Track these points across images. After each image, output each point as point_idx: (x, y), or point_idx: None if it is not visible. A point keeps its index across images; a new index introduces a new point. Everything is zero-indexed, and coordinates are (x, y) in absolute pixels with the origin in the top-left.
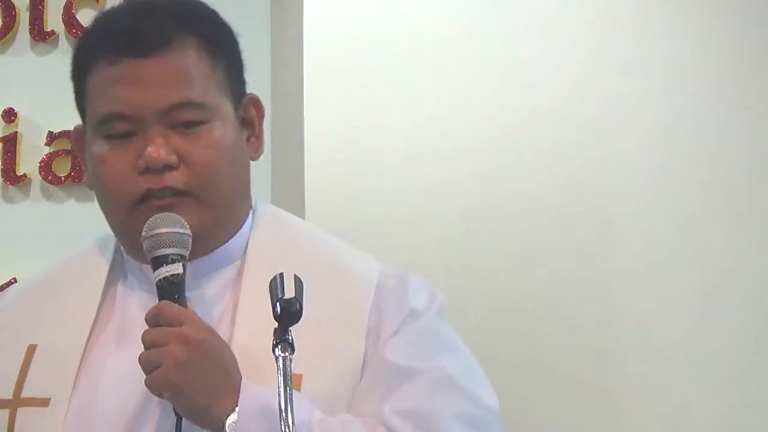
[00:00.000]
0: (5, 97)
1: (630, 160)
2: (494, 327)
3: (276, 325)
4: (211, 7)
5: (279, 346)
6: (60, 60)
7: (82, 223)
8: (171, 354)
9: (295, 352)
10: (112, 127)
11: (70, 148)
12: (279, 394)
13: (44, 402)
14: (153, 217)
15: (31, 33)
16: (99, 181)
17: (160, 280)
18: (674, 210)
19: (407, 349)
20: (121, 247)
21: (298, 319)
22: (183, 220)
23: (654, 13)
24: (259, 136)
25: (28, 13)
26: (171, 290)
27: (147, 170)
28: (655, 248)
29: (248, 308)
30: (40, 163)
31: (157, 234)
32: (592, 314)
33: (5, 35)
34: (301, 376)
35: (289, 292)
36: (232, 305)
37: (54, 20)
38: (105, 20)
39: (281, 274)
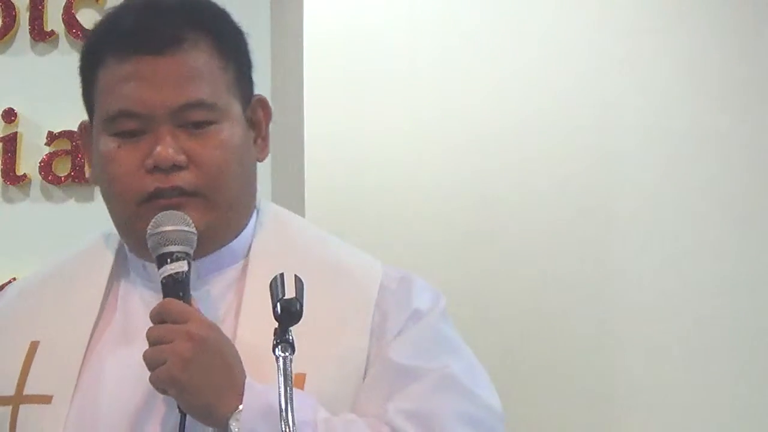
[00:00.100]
0: (5, 97)
1: (630, 160)
2: (494, 326)
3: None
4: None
5: (279, 346)
6: (60, 60)
7: (82, 223)
8: (176, 351)
9: (299, 351)
10: (121, 124)
11: (70, 148)
12: (279, 393)
13: (47, 399)
14: (158, 214)
15: (31, 33)
16: (106, 178)
17: (165, 277)
18: (674, 210)
19: (411, 349)
20: (125, 245)
21: (299, 319)
22: (188, 218)
23: (653, 13)
24: (265, 138)
25: (28, 13)
26: (176, 288)
27: (155, 169)
28: (654, 248)
29: (252, 307)
30: (40, 163)
31: (163, 231)
32: (592, 314)
33: (5, 35)
34: (304, 375)
35: (290, 292)
36: (236, 304)
37: (54, 20)
38: (117, 16)
39: (282, 274)
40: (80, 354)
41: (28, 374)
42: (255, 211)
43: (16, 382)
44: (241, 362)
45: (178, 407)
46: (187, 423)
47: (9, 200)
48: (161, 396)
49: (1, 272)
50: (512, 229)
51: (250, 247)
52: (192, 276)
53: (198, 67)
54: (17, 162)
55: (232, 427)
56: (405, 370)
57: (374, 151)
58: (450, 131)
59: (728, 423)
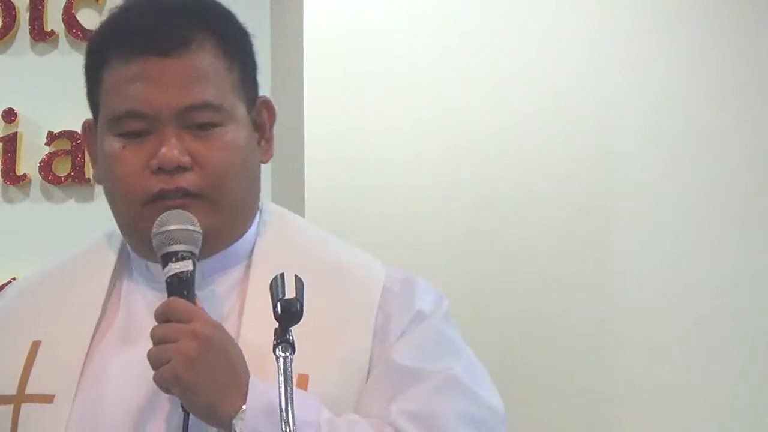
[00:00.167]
0: (5, 97)
1: (629, 160)
2: (493, 326)
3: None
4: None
5: (280, 346)
6: (60, 60)
7: (82, 223)
8: (180, 350)
9: (302, 353)
10: (126, 124)
11: (70, 148)
12: (279, 393)
13: (48, 398)
14: (164, 213)
15: (31, 33)
16: (110, 178)
17: (170, 276)
18: (674, 210)
19: (414, 350)
20: (127, 245)
21: (299, 319)
22: (193, 217)
23: (653, 13)
24: (269, 140)
25: (28, 13)
26: (180, 287)
27: (160, 170)
28: (654, 248)
29: (255, 307)
30: (40, 163)
31: (168, 231)
32: (592, 314)
33: (5, 35)
34: (307, 376)
35: (290, 293)
36: (239, 305)
37: (54, 20)
38: (123, 16)
39: (282, 275)
40: (82, 353)
41: (29, 373)
42: (258, 212)
43: (17, 381)
44: (245, 362)
45: (182, 406)
46: (190, 422)
47: (9, 200)
48: (164, 395)
49: (1, 272)
50: (512, 229)
51: (253, 248)
52: (196, 276)
53: (204, 69)
54: (17, 162)
55: (235, 426)
56: (408, 372)
57: (374, 151)
58: (450, 131)
59: (728, 423)
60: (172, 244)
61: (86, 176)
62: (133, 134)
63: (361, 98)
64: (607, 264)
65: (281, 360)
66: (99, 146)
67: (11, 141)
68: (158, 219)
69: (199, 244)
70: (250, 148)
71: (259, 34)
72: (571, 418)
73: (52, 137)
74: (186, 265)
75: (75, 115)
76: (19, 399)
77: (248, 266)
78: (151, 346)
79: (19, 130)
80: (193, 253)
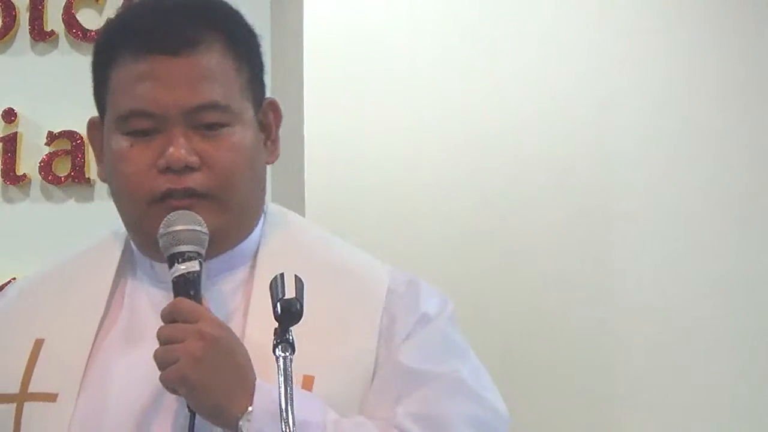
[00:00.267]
0: (5, 97)
1: (629, 159)
2: (493, 325)
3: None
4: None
5: (279, 346)
6: (60, 60)
7: (82, 223)
8: (187, 350)
9: (308, 354)
10: (134, 123)
11: (70, 148)
12: (279, 393)
13: (52, 397)
14: (170, 214)
15: (31, 33)
16: (117, 177)
17: (176, 277)
18: (673, 209)
19: (420, 352)
20: (132, 244)
21: (299, 319)
22: (200, 218)
23: (652, 13)
24: (275, 141)
25: (28, 13)
26: (187, 287)
27: (168, 170)
28: (654, 247)
29: (260, 308)
30: (40, 163)
31: (175, 231)
32: (592, 313)
33: (5, 35)
34: (312, 377)
35: (290, 293)
36: (244, 305)
37: (54, 20)
38: (131, 14)
39: (282, 274)
40: (85, 352)
41: (32, 372)
42: (262, 213)
43: (20, 379)
44: (251, 363)
45: (188, 407)
46: (195, 423)
47: (9, 200)
48: (168, 396)
49: (1, 272)
50: (511, 228)
51: (257, 248)
52: (202, 276)
53: (212, 69)
54: (17, 162)
55: (242, 427)
56: (414, 374)
57: (374, 150)
58: (449, 130)
59: (728, 423)
60: (178, 245)
61: (86, 176)
62: (141, 133)
63: (361, 98)
64: (606, 263)
65: (281, 360)
66: (105, 144)
67: (11, 141)
68: (165, 219)
69: (206, 244)
70: (256, 149)
71: (259, 34)
72: (570, 417)
73: (52, 137)
74: (193, 266)
75: (75, 115)
76: (22, 398)
77: (253, 267)
78: (155, 346)
79: (19, 130)
80: (199, 254)
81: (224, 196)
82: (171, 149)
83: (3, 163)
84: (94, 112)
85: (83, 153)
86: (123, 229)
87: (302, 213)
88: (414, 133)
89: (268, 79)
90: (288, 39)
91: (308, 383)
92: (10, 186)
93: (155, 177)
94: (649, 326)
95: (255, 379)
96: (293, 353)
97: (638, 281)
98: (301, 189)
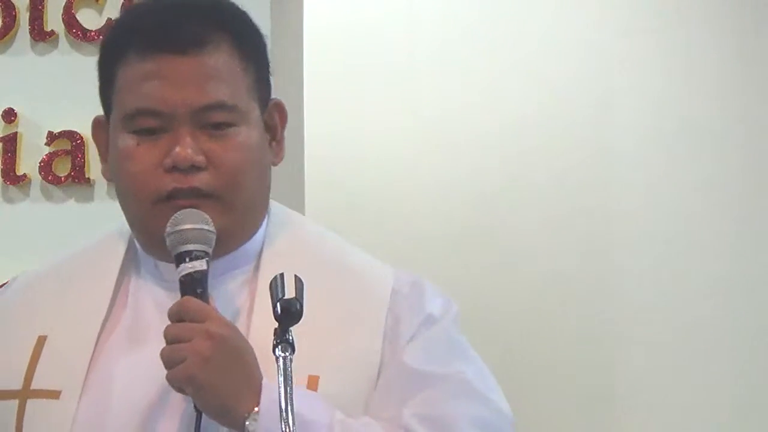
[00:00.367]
0: (5, 97)
1: (628, 158)
2: (492, 324)
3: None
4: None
5: (279, 346)
6: (60, 60)
7: (82, 223)
8: (195, 349)
9: (312, 354)
10: (141, 122)
11: (70, 148)
12: (279, 393)
13: (55, 394)
14: (178, 212)
15: (31, 33)
16: (122, 175)
17: (183, 276)
18: (673, 208)
19: (425, 354)
20: (136, 243)
21: (299, 319)
22: (207, 217)
23: (651, 12)
24: (280, 142)
25: (28, 13)
26: (194, 286)
27: (174, 169)
28: (653, 246)
29: (265, 308)
30: (40, 163)
31: (182, 230)
32: (592, 312)
33: (5, 35)
34: (318, 377)
35: (290, 293)
36: (248, 305)
37: (54, 20)
38: (139, 13)
39: (282, 274)
40: (89, 350)
41: (35, 369)
42: (266, 213)
43: (23, 376)
44: (257, 362)
45: (194, 406)
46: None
47: (9, 200)
48: (173, 395)
49: (1, 272)
50: (511, 225)
51: (262, 248)
52: None
53: (219, 69)
54: (17, 162)
55: (248, 427)
56: (420, 375)
57: (374, 147)
58: (449, 128)
59: (728, 423)
60: (186, 244)
61: (86, 176)
62: (147, 132)
63: (361, 97)
64: (605, 262)
65: (281, 360)
66: (111, 143)
67: (11, 141)
68: (172, 218)
69: (213, 243)
70: (262, 150)
71: None
72: (570, 417)
73: (52, 137)
74: (201, 265)
75: (75, 115)
76: (24, 394)
77: (257, 267)
78: (159, 345)
79: (19, 130)
80: (206, 253)
81: (230, 196)
82: (177, 148)
83: (3, 163)
84: (93, 112)
85: (83, 153)
86: (127, 228)
87: (302, 211)
88: (414, 131)
89: None
90: (288, 38)
91: (313, 383)
92: (10, 186)
93: (161, 176)
94: (649, 325)
95: (261, 378)
96: (293, 353)
97: (638, 280)
98: (301, 187)
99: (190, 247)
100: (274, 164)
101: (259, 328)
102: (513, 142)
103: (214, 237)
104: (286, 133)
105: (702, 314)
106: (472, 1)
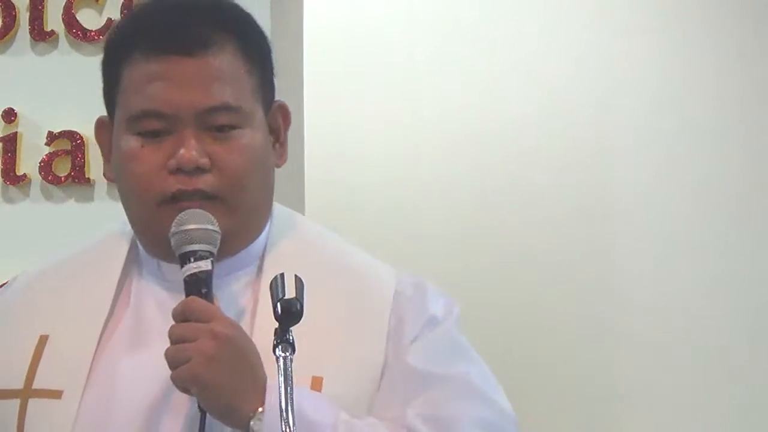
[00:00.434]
0: (5, 97)
1: (628, 158)
2: (492, 323)
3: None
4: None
5: (279, 346)
6: (60, 60)
7: (82, 223)
8: (200, 349)
9: (316, 355)
10: (145, 123)
11: (70, 148)
12: (279, 394)
13: (56, 394)
14: (183, 213)
15: (31, 33)
16: (126, 177)
17: (188, 276)
18: (672, 207)
19: (429, 355)
20: (138, 243)
21: (299, 320)
22: (212, 217)
23: (650, 11)
24: (283, 144)
25: (28, 13)
26: (199, 286)
27: (178, 171)
28: (654, 245)
29: (268, 308)
30: (40, 163)
31: (187, 230)
32: (592, 312)
33: (5, 35)
34: (321, 378)
35: (290, 293)
36: (251, 306)
37: (54, 20)
38: (145, 14)
39: (282, 275)
40: (91, 350)
41: (37, 368)
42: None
43: (24, 375)
44: (262, 363)
45: (199, 406)
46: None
47: (9, 200)
48: (177, 395)
49: (1, 272)
50: (510, 225)
51: (265, 249)
52: None
53: (224, 70)
54: (17, 162)
55: (253, 427)
56: (424, 376)
57: (373, 147)
58: (448, 127)
59: (728, 422)
60: (191, 243)
61: (86, 176)
62: (152, 134)
63: (361, 96)
64: (605, 262)
65: (281, 360)
66: (114, 144)
67: (11, 141)
68: (177, 218)
69: (218, 243)
70: (266, 152)
71: None
72: (569, 416)
73: (52, 137)
74: (206, 265)
75: (75, 115)
76: (26, 393)
77: (260, 268)
78: (162, 346)
79: (19, 130)
80: (211, 253)
81: (233, 199)
82: (182, 150)
83: (3, 163)
84: (93, 112)
85: (83, 153)
86: (128, 228)
87: (302, 211)
88: (413, 130)
89: None
90: (288, 38)
91: (317, 384)
92: (10, 186)
93: (165, 178)
94: (649, 325)
95: (266, 379)
96: (293, 353)
97: (638, 280)
98: (301, 186)
99: (195, 247)
100: (278, 166)
101: (262, 328)
102: (512, 141)
103: (219, 237)
104: None
105: (702, 314)
106: (472, 1)
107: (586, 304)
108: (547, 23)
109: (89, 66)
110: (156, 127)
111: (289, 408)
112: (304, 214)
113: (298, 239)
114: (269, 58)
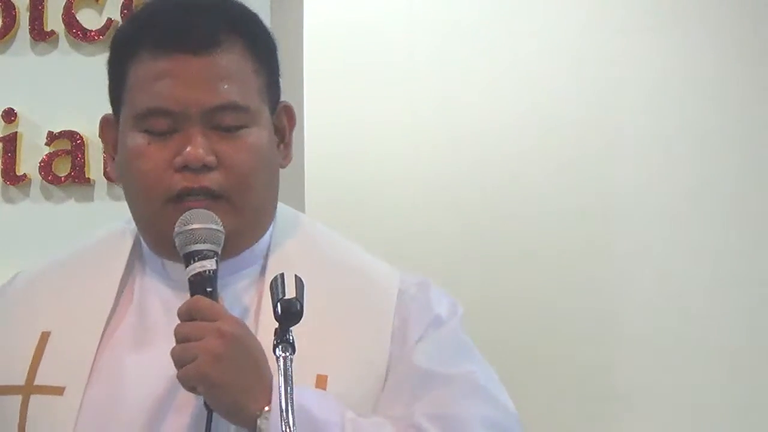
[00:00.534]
0: (5, 97)
1: (628, 157)
2: (492, 322)
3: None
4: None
5: (279, 346)
6: (60, 60)
7: (82, 223)
8: (207, 348)
9: (321, 353)
10: (152, 121)
11: (70, 148)
12: (279, 394)
13: (59, 390)
14: (187, 212)
15: (31, 33)
16: (132, 174)
17: (193, 275)
18: (672, 207)
19: (434, 354)
20: (142, 241)
21: (299, 320)
22: (216, 217)
23: (649, 11)
24: (288, 145)
25: (28, 13)
26: (204, 285)
27: (185, 168)
28: (654, 244)
29: (271, 308)
30: (40, 163)
31: (192, 229)
32: (591, 311)
33: (5, 35)
34: (326, 377)
35: (290, 293)
36: (255, 306)
37: (54, 20)
38: (153, 12)
39: (282, 274)
40: (93, 347)
41: (39, 364)
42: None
43: (26, 371)
44: (267, 361)
45: (205, 405)
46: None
47: (9, 200)
48: (181, 394)
49: (1, 272)
50: (511, 223)
51: (268, 249)
52: None
53: (232, 69)
54: (17, 162)
55: (260, 426)
56: (429, 375)
57: (373, 146)
58: (448, 124)
59: (728, 422)
60: (195, 243)
61: (86, 176)
62: (158, 131)
63: (361, 95)
64: (605, 261)
65: (281, 360)
66: (120, 141)
67: (11, 141)
68: (181, 217)
69: (222, 242)
70: (272, 152)
71: None
72: (569, 416)
73: (52, 137)
74: (210, 264)
75: (75, 115)
76: (28, 390)
77: (264, 267)
78: (166, 344)
79: (19, 130)
80: (216, 252)
81: (239, 197)
82: (189, 148)
83: (3, 163)
84: (93, 112)
85: (83, 153)
86: (132, 226)
87: (302, 209)
88: (413, 128)
89: None
90: (288, 38)
91: (322, 382)
92: (10, 186)
93: (171, 175)
94: (649, 325)
95: (272, 378)
96: (293, 353)
97: (638, 279)
98: (301, 183)
99: (200, 246)
100: (282, 167)
101: (266, 328)
102: (512, 141)
103: (223, 237)
104: None
105: (702, 314)
106: (472, 1)
107: (586, 303)
108: (547, 23)
109: (89, 66)
110: (163, 124)
111: (289, 408)
112: (304, 213)
113: (301, 239)
114: (276, 59)
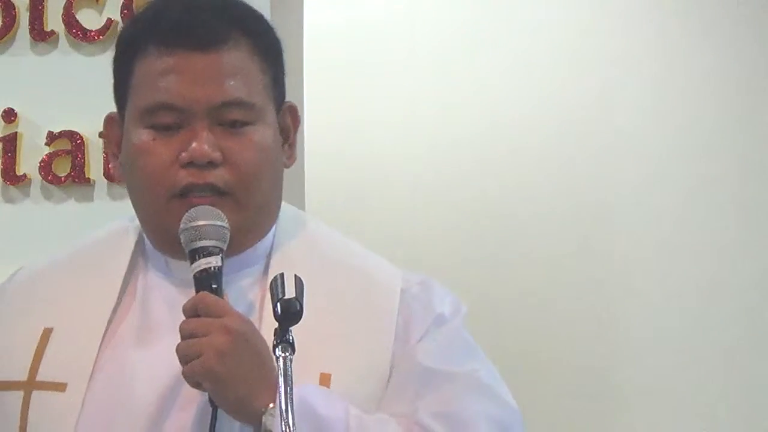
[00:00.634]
0: (5, 97)
1: (627, 156)
2: (492, 321)
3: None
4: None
5: (279, 346)
6: (60, 60)
7: (82, 223)
8: (212, 344)
9: (324, 352)
10: (158, 117)
11: (70, 148)
12: (279, 393)
13: (61, 387)
14: (192, 209)
15: (31, 33)
16: (137, 170)
17: (198, 271)
18: (672, 206)
19: (438, 352)
20: (146, 239)
21: (299, 319)
22: (222, 213)
23: (648, 9)
24: (292, 145)
25: (28, 13)
26: (209, 282)
27: (190, 164)
28: (654, 244)
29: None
30: (40, 163)
31: (197, 226)
32: (591, 310)
33: (5, 35)
34: (329, 375)
35: (290, 292)
36: (258, 304)
37: (54, 20)
38: (160, 8)
39: (282, 274)
40: (96, 344)
41: (41, 360)
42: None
43: (28, 367)
44: (272, 359)
45: (210, 401)
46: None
47: (9, 200)
48: (185, 390)
49: (1, 272)
50: (511, 222)
51: (272, 247)
52: None
53: (238, 67)
54: (17, 162)
55: (265, 423)
56: (433, 374)
57: (373, 145)
58: (448, 125)
59: (727, 422)
60: (201, 240)
61: (86, 176)
62: (164, 127)
63: (361, 94)
64: (605, 260)
65: (281, 360)
66: (124, 138)
67: (11, 141)
68: (187, 214)
69: (227, 239)
70: (277, 150)
71: None
72: (569, 415)
73: (52, 137)
74: (216, 261)
75: (75, 115)
76: (29, 386)
77: (267, 266)
78: (170, 341)
79: (19, 130)
80: (221, 249)
81: (244, 195)
82: (195, 144)
83: (3, 163)
84: (93, 112)
85: (83, 153)
86: (135, 223)
87: (302, 208)
88: (413, 129)
89: None
90: (288, 37)
91: (325, 380)
92: (10, 186)
93: (177, 171)
94: (649, 324)
95: (277, 374)
96: (293, 353)
97: (638, 278)
98: (301, 182)
99: (205, 243)
100: (286, 166)
101: (270, 326)
102: (512, 141)
103: (228, 233)
104: None
105: (702, 313)
106: (472, 1)
107: (586, 303)
108: (547, 23)
109: (89, 66)
110: (168, 120)
111: (289, 408)
112: (305, 212)
113: (304, 238)
114: (281, 58)
